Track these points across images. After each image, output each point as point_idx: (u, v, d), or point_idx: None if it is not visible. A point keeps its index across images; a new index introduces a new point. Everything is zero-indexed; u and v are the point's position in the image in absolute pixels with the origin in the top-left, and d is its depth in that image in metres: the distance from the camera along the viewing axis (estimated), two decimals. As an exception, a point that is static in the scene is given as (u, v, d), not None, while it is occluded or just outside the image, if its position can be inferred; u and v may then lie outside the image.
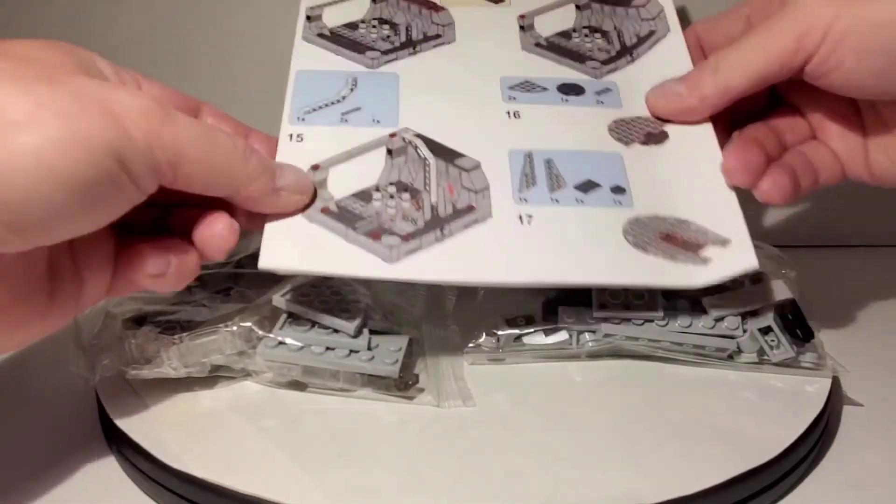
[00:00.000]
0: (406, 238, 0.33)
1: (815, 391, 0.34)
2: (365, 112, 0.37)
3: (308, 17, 0.42)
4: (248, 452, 0.32)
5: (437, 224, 0.33)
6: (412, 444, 0.32)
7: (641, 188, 0.36)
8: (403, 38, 0.41)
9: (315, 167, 0.34)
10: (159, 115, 0.27)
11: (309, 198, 0.33)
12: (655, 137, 0.38)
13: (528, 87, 0.40)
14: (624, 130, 0.38)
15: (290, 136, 0.36)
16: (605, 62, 0.41)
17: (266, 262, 0.31)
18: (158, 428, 0.32)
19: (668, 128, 0.38)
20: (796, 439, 0.31)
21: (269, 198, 0.31)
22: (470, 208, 0.34)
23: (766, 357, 0.36)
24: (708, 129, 0.37)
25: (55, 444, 0.34)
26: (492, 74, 0.40)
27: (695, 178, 0.36)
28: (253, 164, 0.30)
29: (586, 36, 0.42)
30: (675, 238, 0.34)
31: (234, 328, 0.35)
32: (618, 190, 0.35)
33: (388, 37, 0.41)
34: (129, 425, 0.32)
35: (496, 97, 0.39)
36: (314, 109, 0.37)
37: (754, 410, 0.33)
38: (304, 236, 0.32)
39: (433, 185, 0.35)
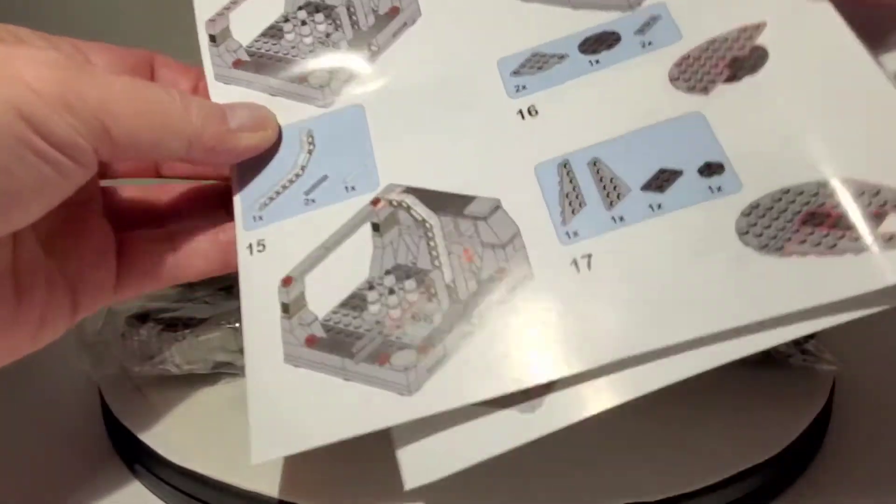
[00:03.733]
0: (424, 348, 0.24)
1: (816, 389, 0.34)
2: (333, 180, 0.28)
3: (212, 38, 0.30)
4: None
5: (461, 312, 0.24)
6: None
7: (747, 153, 0.24)
8: (350, 34, 0.30)
9: (286, 282, 0.26)
10: (70, 65, 0.23)
11: (274, 131, 0.28)
12: (748, 63, 0.25)
13: (538, 62, 0.28)
14: (695, 72, 0.26)
15: (250, 247, 0.27)
16: None
17: (259, 455, 0.24)
18: (161, 424, 0.32)
19: (765, 37, 0.25)
20: (797, 437, 0.31)
21: (227, 144, 0.27)
22: (500, 273, 0.24)
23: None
24: (828, 8, 0.24)
25: (58, 441, 0.34)
26: (484, 59, 0.28)
27: (831, 103, 0.23)
28: (195, 110, 0.26)
29: None
30: (825, 215, 0.22)
31: (237, 325, 0.34)
32: (711, 169, 0.24)
33: (329, 35, 0.30)
34: (133, 422, 0.32)
35: (498, 93, 0.28)
36: (271, 199, 0.28)
37: (755, 408, 0.33)
38: (294, 395, 0.24)
39: (443, 256, 0.25)
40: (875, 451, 0.33)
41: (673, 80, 0.26)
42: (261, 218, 0.28)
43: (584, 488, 0.29)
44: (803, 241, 0.22)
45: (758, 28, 0.25)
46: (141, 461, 0.32)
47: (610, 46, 0.27)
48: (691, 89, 0.25)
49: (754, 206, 0.23)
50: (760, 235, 0.22)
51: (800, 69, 0.24)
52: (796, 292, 0.21)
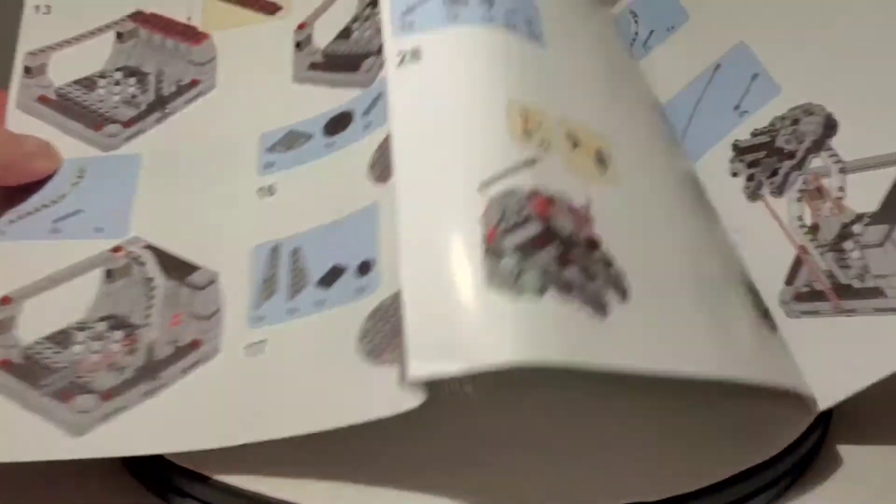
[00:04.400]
0: (107, 396, 0.25)
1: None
2: (85, 217, 0.29)
3: (27, 70, 0.32)
4: (252, 448, 0.31)
5: (151, 372, 0.26)
6: (418, 441, 0.32)
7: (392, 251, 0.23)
8: (152, 97, 0.32)
9: (4, 301, 0.27)
10: None
11: (59, 163, 0.30)
12: None
13: (290, 141, 0.29)
14: (384, 156, 0.27)
15: None
16: (380, 51, 0.28)
17: None
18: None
19: None
20: (798, 437, 0.31)
21: (19, 166, 0.29)
22: (194, 344, 0.26)
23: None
24: None
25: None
26: (251, 134, 0.30)
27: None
28: None
29: (367, 20, 0.31)
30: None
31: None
32: (365, 268, 0.25)
33: (134, 97, 0.32)
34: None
35: (250, 169, 0.29)
36: (20, 217, 0.29)
37: (755, 408, 0.33)
38: None
39: (155, 317, 0.27)
40: (875, 451, 0.33)
41: (371, 167, 0.27)
42: (3, 233, 0.29)
43: (583, 488, 0.29)
44: (397, 347, 0.21)
45: None
46: (140, 460, 0.32)
47: (345, 127, 0.28)
48: (377, 178, 0.26)
49: (378, 310, 0.23)
50: (372, 340, 0.23)
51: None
52: (370, 405, 0.21)
